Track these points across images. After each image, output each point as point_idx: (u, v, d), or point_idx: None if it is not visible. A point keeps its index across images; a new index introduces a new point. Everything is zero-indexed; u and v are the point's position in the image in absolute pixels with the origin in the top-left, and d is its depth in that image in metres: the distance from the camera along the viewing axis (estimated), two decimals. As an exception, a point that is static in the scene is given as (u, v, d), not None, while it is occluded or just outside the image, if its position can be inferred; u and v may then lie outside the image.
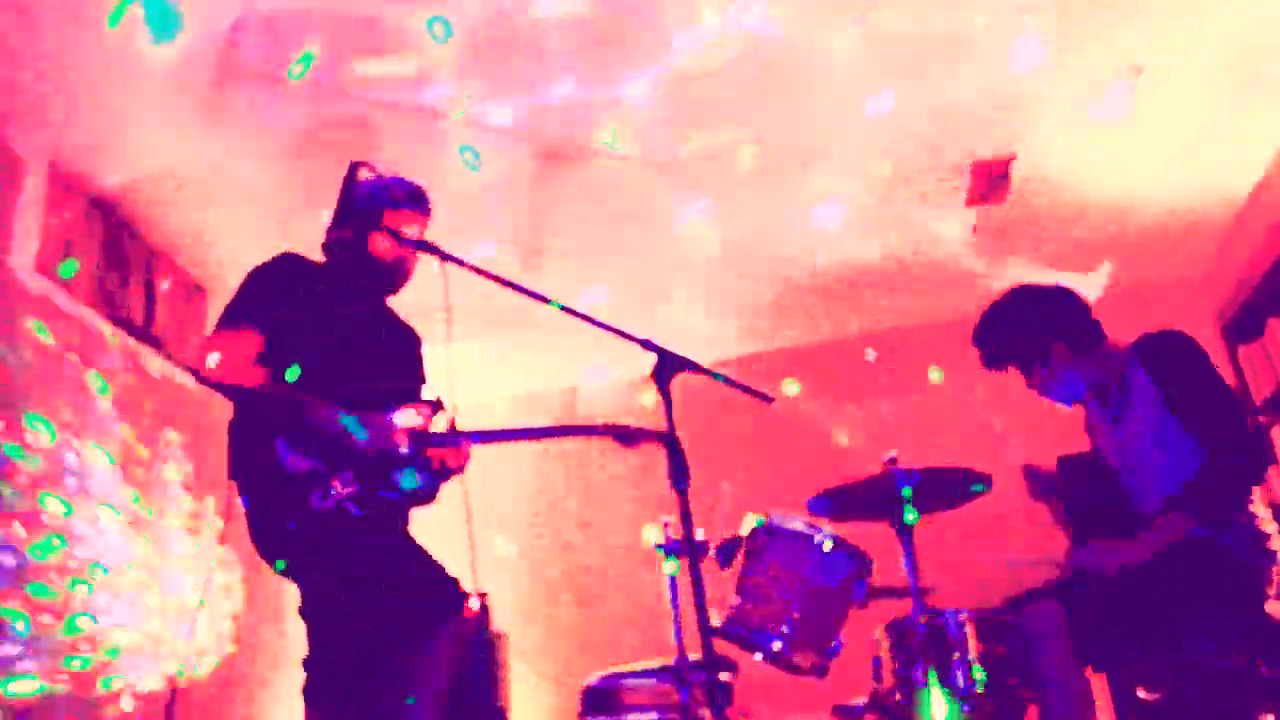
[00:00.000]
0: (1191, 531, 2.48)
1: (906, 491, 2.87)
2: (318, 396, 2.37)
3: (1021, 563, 2.86)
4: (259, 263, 2.55)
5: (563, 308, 2.20)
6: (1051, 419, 3.22)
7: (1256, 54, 3.61)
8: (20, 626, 3.22)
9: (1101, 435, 2.84)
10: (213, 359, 2.36)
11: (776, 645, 2.85)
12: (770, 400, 2.28)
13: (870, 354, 5.34)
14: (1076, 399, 2.84)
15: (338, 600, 2.38)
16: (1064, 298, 2.81)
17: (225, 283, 2.55)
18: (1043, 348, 2.75)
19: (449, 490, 2.56)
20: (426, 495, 2.47)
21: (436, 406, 2.51)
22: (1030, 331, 2.76)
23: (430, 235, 2.59)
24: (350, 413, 2.36)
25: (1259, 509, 2.59)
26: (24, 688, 3.19)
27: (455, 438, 2.46)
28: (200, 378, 2.40)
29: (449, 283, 2.48)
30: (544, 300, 2.24)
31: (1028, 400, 2.95)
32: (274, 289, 2.50)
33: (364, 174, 2.67)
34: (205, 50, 3.23)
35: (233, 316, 2.45)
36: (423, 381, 2.76)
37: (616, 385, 5.71)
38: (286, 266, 2.55)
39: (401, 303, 2.75)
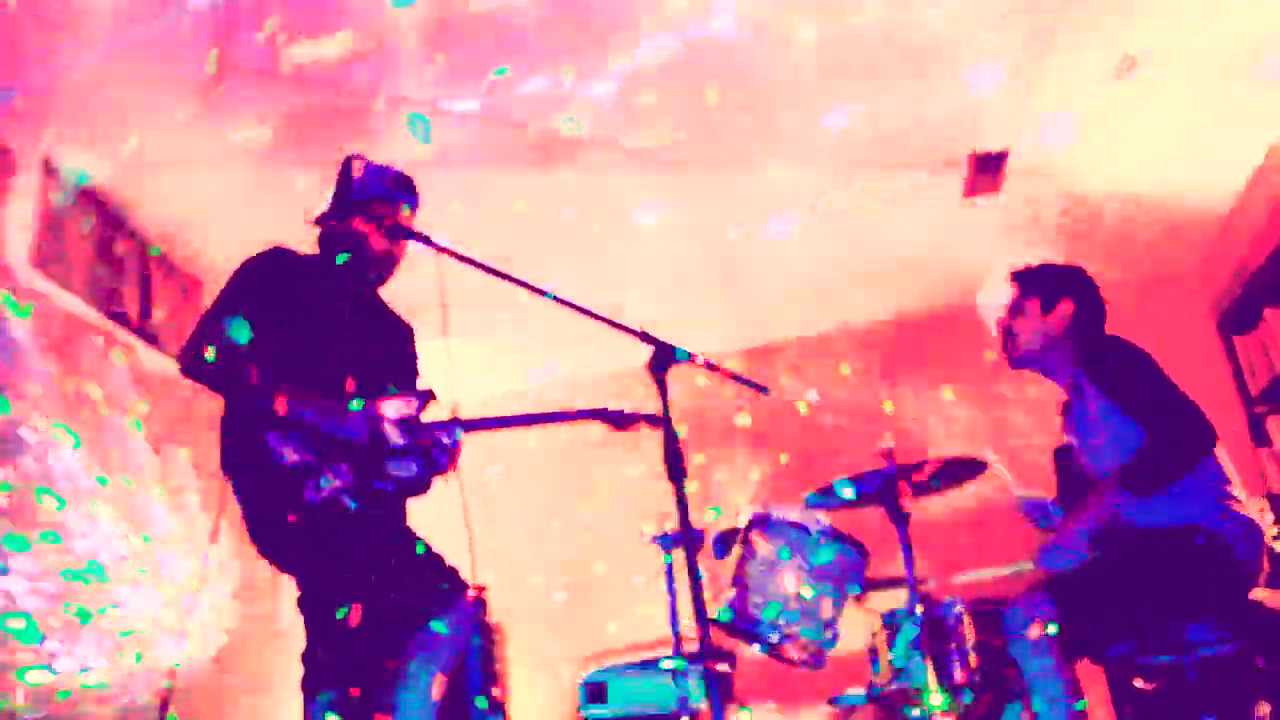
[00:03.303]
0: (1125, 502, 2.52)
1: (903, 484, 2.89)
2: (308, 389, 2.37)
3: (993, 572, 2.87)
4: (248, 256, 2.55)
5: (557, 299, 2.20)
6: (1052, 408, 3.22)
7: (1252, 46, 3.60)
8: (20, 626, 3.22)
9: (1071, 431, 2.86)
10: (200, 353, 2.36)
11: (774, 637, 2.85)
12: (765, 391, 2.28)
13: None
14: (1050, 374, 2.86)
15: (335, 593, 2.38)
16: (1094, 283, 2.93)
17: (222, 277, 2.57)
18: (1054, 294, 2.82)
19: (446, 483, 2.56)
20: (420, 485, 2.47)
21: (428, 397, 2.51)
22: (1056, 274, 2.86)
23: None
24: (336, 403, 2.36)
25: (1249, 501, 2.60)
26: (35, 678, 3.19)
27: (448, 426, 2.46)
28: (187, 371, 2.39)
29: (443, 275, 2.48)
30: (538, 291, 2.24)
31: (1027, 390, 2.95)
32: (263, 282, 2.49)
33: (358, 166, 2.67)
34: (200, 42, 3.22)
35: (220, 310, 2.45)
36: (416, 373, 2.76)
37: (614, 377, 5.70)
38: (275, 260, 2.55)
39: (396, 295, 2.75)
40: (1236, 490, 2.58)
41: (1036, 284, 2.86)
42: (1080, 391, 2.72)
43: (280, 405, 2.30)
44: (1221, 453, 2.59)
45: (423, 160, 3.67)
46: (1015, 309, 2.86)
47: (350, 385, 2.44)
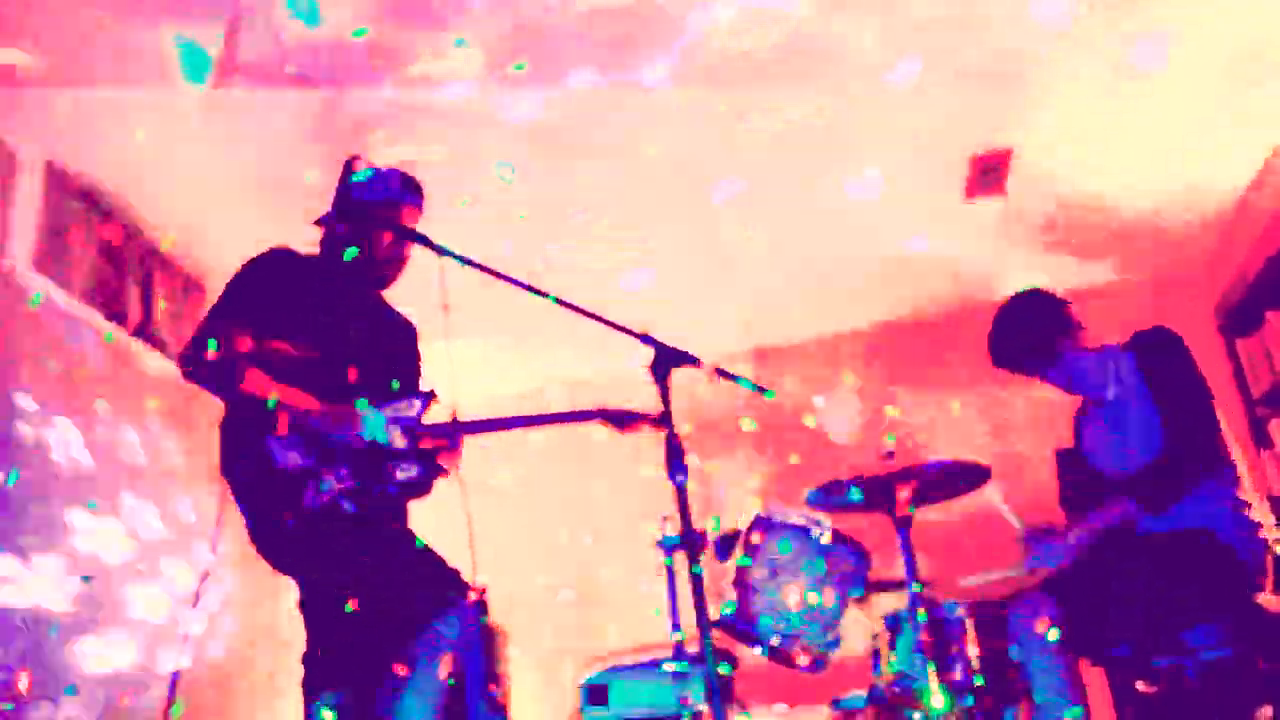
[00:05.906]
0: (1137, 518, 2.54)
1: (905, 491, 2.88)
2: (310, 391, 2.36)
3: (985, 577, 2.85)
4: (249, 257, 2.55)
5: (558, 301, 2.20)
6: (1055, 411, 3.22)
7: (1254, 48, 3.60)
8: (19, 624, 3.22)
9: (1091, 433, 2.85)
10: (200, 356, 2.35)
11: (775, 639, 2.85)
12: (769, 394, 2.27)
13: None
14: (1092, 388, 2.84)
15: (335, 595, 2.37)
16: (1048, 298, 2.86)
17: (224, 278, 2.57)
18: (1049, 348, 2.78)
19: (448, 485, 2.55)
20: (421, 487, 2.47)
21: (430, 398, 2.51)
22: (1033, 339, 2.80)
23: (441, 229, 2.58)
24: (327, 407, 2.35)
25: (1253, 501, 2.59)
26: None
27: (449, 428, 2.46)
28: (187, 374, 2.39)
29: (446, 277, 2.48)
30: (541, 294, 2.23)
31: (1029, 393, 2.95)
32: (264, 284, 2.49)
33: (360, 167, 2.67)
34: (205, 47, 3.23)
35: (221, 312, 2.44)
36: (419, 373, 2.76)
37: (616, 379, 5.70)
38: (277, 261, 2.55)
39: (400, 296, 2.74)
40: (1246, 494, 2.58)
41: (1027, 361, 2.84)
42: (1121, 386, 2.71)
43: (282, 424, 2.29)
44: (1236, 456, 2.59)
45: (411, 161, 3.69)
46: (1049, 382, 2.85)
47: (352, 383, 2.43)
